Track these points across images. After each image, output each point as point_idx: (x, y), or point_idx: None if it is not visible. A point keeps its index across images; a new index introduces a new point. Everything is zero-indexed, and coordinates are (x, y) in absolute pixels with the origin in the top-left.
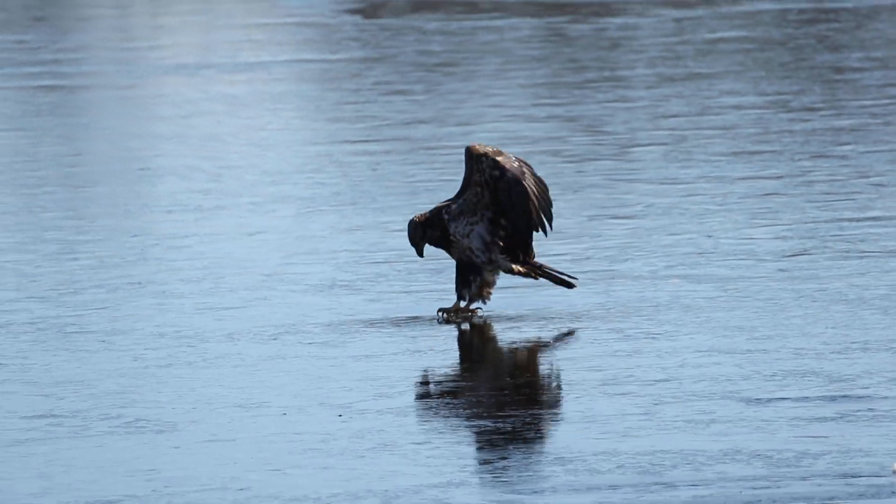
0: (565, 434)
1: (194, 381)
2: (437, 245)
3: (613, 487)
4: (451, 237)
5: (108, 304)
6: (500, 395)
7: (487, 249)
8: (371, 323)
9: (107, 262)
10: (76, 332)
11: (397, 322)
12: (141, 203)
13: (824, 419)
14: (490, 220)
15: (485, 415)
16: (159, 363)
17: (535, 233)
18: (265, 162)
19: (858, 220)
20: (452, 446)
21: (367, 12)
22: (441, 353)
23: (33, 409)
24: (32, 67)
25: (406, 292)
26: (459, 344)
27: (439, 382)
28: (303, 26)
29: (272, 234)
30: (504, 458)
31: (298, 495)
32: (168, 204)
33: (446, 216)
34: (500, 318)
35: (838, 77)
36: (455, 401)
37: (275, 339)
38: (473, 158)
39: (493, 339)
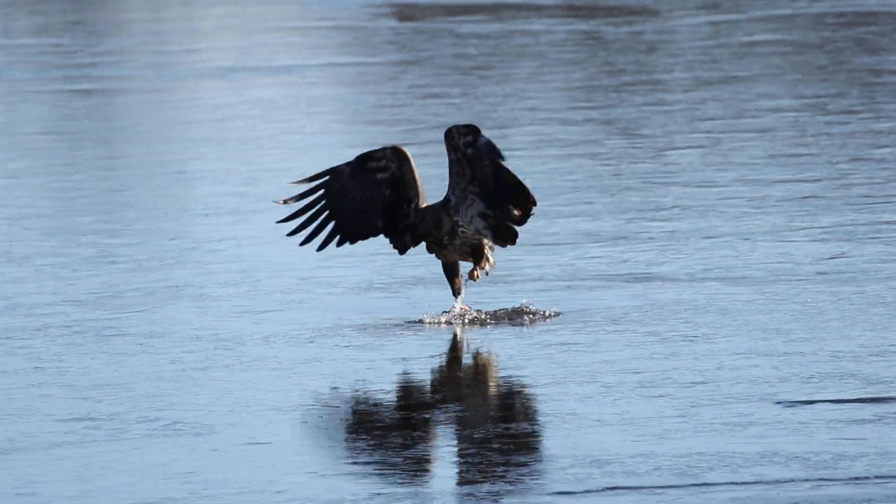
0: (603, 436)
1: (231, 384)
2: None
3: (651, 490)
4: (461, 229)
5: (145, 307)
6: (537, 397)
7: (489, 225)
8: (408, 325)
9: (144, 265)
10: (114, 336)
11: (434, 324)
12: (177, 206)
13: (862, 421)
14: (479, 196)
15: (521, 417)
16: (196, 366)
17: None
18: (301, 165)
19: None
20: (489, 448)
21: (403, 15)
22: (477, 355)
23: (71, 412)
24: (69, 71)
25: (443, 295)
26: (496, 346)
27: (475, 385)
28: (338, 30)
29: None
30: (541, 461)
31: (335, 498)
32: (204, 207)
33: (452, 211)
34: (536, 321)
35: (876, 80)
36: (492, 403)
37: (311, 341)
38: (447, 138)
39: (529, 342)
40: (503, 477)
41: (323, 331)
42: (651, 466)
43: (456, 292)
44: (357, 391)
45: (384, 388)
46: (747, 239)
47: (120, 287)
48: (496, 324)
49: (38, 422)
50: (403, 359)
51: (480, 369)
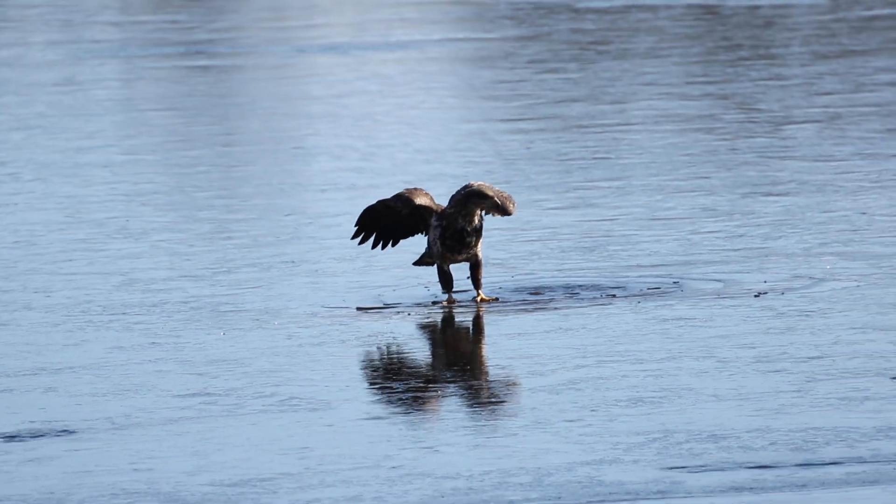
0: (718, 411)
1: (347, 359)
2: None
3: (766, 465)
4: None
5: (261, 282)
6: (652, 372)
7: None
8: (523, 300)
9: (260, 241)
10: (230, 311)
11: (549, 300)
12: (294, 182)
13: None
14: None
15: (637, 392)
16: (312, 341)
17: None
18: (418, 141)
19: None
20: (604, 424)
21: None
22: (593, 330)
23: (187, 387)
24: (186, 48)
25: (559, 270)
26: (611, 322)
27: (590, 360)
28: (456, 4)
29: None
30: (656, 436)
31: (451, 473)
32: (321, 183)
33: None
34: (651, 296)
35: None
36: (606, 378)
37: (427, 317)
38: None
39: (644, 317)
40: (618, 451)
41: (439, 305)
42: (767, 441)
43: (448, 290)
44: (470, 366)
45: (499, 364)
46: (864, 213)
47: (236, 262)
48: (607, 300)
49: (155, 397)
50: (518, 334)
51: (594, 345)
